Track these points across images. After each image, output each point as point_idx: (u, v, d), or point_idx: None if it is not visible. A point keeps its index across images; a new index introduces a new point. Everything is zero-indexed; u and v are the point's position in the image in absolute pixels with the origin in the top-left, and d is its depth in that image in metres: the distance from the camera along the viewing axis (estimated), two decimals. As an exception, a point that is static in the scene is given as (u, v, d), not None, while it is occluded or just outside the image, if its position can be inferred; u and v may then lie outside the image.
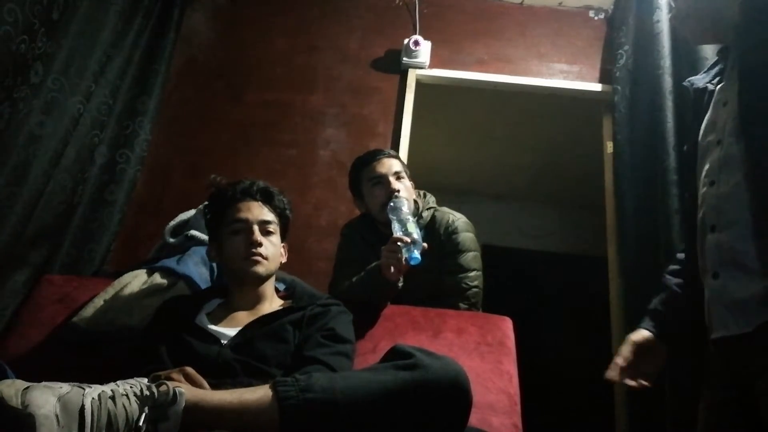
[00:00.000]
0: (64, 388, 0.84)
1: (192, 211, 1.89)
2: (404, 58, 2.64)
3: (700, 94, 1.17)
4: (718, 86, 1.14)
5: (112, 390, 0.87)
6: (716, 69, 1.18)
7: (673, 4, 1.18)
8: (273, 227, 1.40)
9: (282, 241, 1.44)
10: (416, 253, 1.40)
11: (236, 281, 1.37)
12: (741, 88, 1.00)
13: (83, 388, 0.85)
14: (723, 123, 1.06)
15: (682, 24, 1.18)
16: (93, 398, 0.84)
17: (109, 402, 0.84)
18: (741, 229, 0.96)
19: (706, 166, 1.09)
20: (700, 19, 1.13)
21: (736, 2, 1.04)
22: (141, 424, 0.84)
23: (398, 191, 1.69)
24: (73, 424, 0.81)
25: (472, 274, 1.74)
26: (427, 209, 1.83)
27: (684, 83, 1.26)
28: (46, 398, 0.81)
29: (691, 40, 1.27)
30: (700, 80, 1.20)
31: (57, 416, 0.80)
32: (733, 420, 1.02)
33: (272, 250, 1.37)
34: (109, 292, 1.57)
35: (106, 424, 0.82)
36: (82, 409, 0.82)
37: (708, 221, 1.05)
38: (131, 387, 0.89)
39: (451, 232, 1.77)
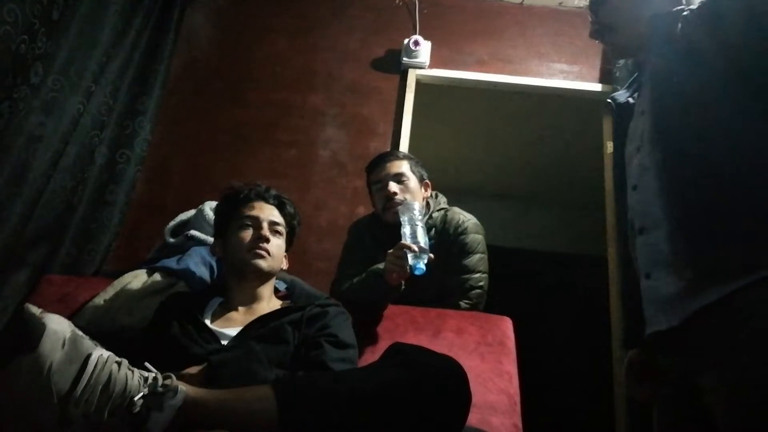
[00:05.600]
0: (82, 334, 0.88)
1: (192, 211, 1.89)
2: (404, 58, 2.64)
3: (623, 108, 1.24)
4: (638, 100, 1.20)
5: (121, 359, 0.89)
6: (636, 84, 1.24)
7: (593, 18, 1.23)
8: (281, 229, 1.42)
9: (285, 251, 1.45)
10: (421, 264, 1.38)
11: (237, 276, 1.37)
12: (652, 98, 1.06)
13: (97, 345, 0.88)
14: (641, 131, 1.11)
15: (604, 38, 1.23)
16: (102, 355, 0.86)
17: (114, 365, 0.87)
18: (663, 230, 1.01)
19: (630, 172, 1.15)
20: (621, 32, 1.19)
21: (647, 18, 1.12)
22: (136, 399, 0.85)
23: (395, 194, 1.70)
24: (75, 360, 0.83)
25: (477, 275, 1.74)
26: (438, 210, 1.84)
27: (607, 99, 1.31)
28: (63, 325, 0.86)
29: (611, 52, 1.33)
30: (621, 96, 1.27)
31: (65, 340, 0.83)
32: (684, 417, 1.05)
33: (277, 250, 1.39)
34: (109, 292, 1.57)
35: (104, 383, 0.84)
36: (89, 356, 0.84)
37: (636, 224, 1.10)
38: (138, 369, 0.91)
39: (460, 232, 1.77)
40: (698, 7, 1.05)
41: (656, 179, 1.04)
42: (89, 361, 0.84)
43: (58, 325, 0.84)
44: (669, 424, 1.09)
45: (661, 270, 1.01)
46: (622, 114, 1.24)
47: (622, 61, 2.46)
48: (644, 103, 1.12)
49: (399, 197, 1.71)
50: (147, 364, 0.93)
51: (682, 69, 1.03)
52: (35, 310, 0.85)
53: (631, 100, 1.22)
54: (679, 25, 1.05)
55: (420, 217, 1.55)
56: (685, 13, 1.06)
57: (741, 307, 0.89)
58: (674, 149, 1.01)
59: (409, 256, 1.40)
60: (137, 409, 0.85)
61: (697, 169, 0.97)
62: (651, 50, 1.12)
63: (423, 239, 1.45)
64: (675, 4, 1.12)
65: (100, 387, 0.83)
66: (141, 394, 0.86)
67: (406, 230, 1.50)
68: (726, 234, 0.93)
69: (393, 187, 1.72)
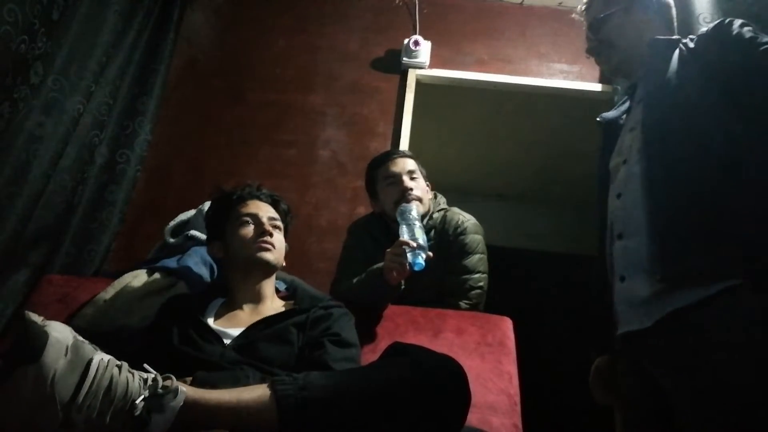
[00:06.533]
0: (82, 338, 0.88)
1: (192, 211, 1.89)
2: (404, 58, 2.64)
3: (611, 125, 1.31)
4: (628, 118, 1.27)
5: (121, 362, 0.89)
6: (626, 105, 1.31)
7: (592, 36, 1.28)
8: (279, 224, 1.43)
9: None
10: (420, 259, 1.39)
11: (242, 273, 1.36)
12: (644, 116, 1.14)
13: (97, 349, 0.89)
14: (629, 145, 1.19)
15: (601, 54, 1.29)
16: (102, 359, 0.87)
17: (116, 369, 0.87)
18: (643, 236, 1.07)
19: (615, 182, 1.22)
20: (621, 50, 1.25)
21: (646, 41, 1.20)
22: (137, 402, 0.85)
23: (411, 189, 1.72)
24: (77, 366, 0.84)
25: (477, 275, 1.74)
26: (438, 210, 1.84)
27: (597, 118, 1.39)
28: (65, 332, 0.86)
29: (607, 70, 1.41)
30: (611, 115, 1.35)
31: (67, 348, 0.84)
32: (648, 417, 1.09)
33: (279, 244, 1.39)
34: (109, 292, 1.57)
35: (106, 387, 0.84)
36: (90, 361, 0.85)
37: (616, 230, 1.17)
38: (138, 372, 0.91)
39: (459, 233, 1.77)
40: (702, 32, 1.13)
41: (641, 188, 1.10)
42: (91, 367, 0.84)
43: (61, 333, 0.84)
44: (634, 427, 1.14)
45: (637, 273, 1.06)
46: (610, 131, 1.31)
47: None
48: (635, 120, 1.18)
49: (415, 193, 1.72)
50: (146, 366, 0.93)
51: (674, 91, 1.10)
52: (36, 318, 0.84)
53: (620, 121, 1.29)
54: (677, 51, 1.13)
55: (417, 217, 1.56)
56: (684, 41, 1.14)
57: (709, 315, 0.94)
58: (660, 162, 1.07)
59: (408, 253, 1.41)
60: (138, 411, 0.85)
61: (679, 181, 1.03)
62: (647, 72, 1.18)
63: (421, 236, 1.46)
64: (670, 33, 1.22)
65: (102, 392, 0.83)
66: (142, 396, 0.86)
67: (403, 229, 1.51)
68: (701, 243, 0.98)
69: (409, 182, 1.74)
